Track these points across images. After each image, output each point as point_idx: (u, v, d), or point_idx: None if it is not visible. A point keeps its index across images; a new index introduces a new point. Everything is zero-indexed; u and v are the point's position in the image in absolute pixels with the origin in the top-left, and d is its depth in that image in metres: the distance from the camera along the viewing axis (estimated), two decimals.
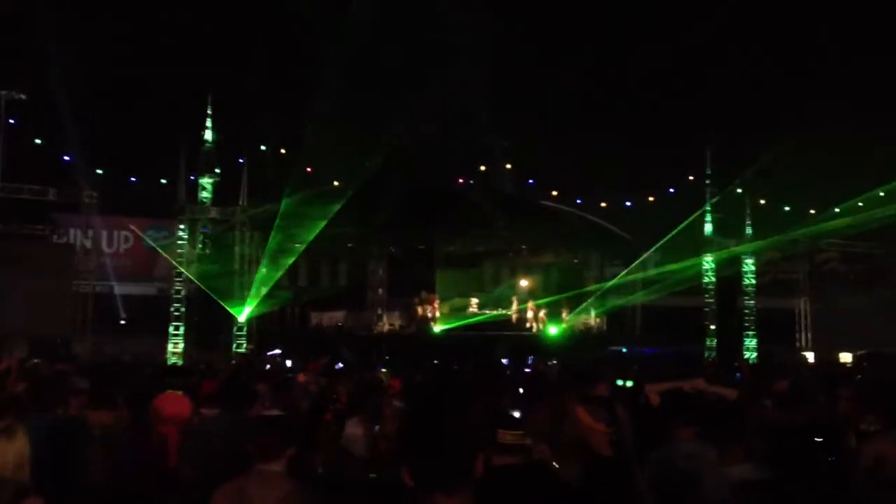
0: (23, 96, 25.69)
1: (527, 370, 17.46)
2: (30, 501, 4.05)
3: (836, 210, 28.77)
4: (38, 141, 26.67)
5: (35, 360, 12.90)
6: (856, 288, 29.44)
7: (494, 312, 29.67)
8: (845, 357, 26.57)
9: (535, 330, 28.91)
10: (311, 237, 28.20)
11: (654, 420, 5.64)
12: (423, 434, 2.68)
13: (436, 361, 18.64)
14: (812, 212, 29.59)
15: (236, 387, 7.69)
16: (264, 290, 27.59)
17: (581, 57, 26.76)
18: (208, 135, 25.47)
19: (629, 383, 10.37)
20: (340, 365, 16.84)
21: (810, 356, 27.73)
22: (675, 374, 9.80)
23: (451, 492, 2.57)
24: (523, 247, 30.22)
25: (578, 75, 26.02)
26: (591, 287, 30.91)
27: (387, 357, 20.25)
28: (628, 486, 4.70)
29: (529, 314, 29.38)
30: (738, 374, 16.01)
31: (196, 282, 25.76)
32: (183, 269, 25.57)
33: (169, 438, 7.03)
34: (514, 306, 29.61)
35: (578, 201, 30.73)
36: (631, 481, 4.79)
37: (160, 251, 28.89)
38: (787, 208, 29.83)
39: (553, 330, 28.72)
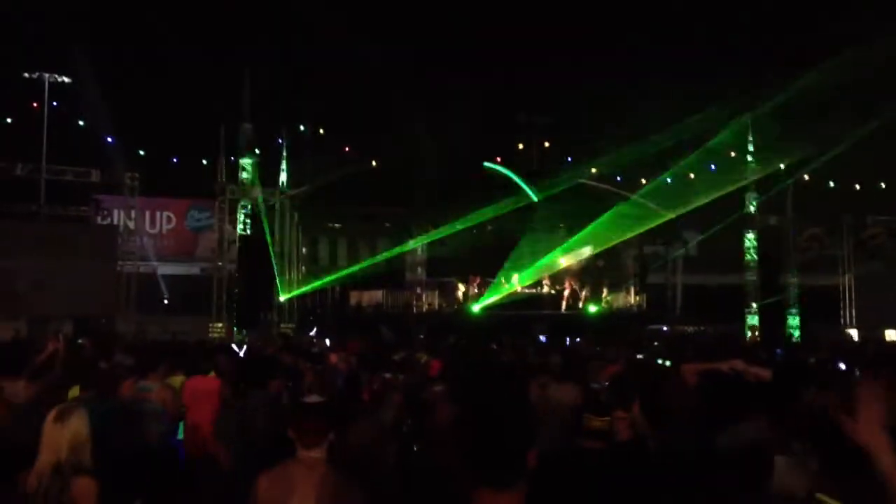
0: (65, 79, 26.03)
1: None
2: (81, 481, 4.16)
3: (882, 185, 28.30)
4: (80, 123, 26.99)
5: (80, 340, 13.14)
6: None
7: (533, 291, 29.58)
8: (891, 335, 26.18)
9: (574, 309, 28.82)
10: (351, 217, 28.34)
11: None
12: (478, 431, 2.61)
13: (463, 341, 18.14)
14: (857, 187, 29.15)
15: (260, 364, 7.74)
16: (305, 270, 27.78)
17: (621, 30, 26.49)
18: (247, 115, 25.61)
19: (668, 363, 10.29)
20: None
21: (854, 334, 27.33)
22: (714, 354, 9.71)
23: (500, 488, 2.52)
24: (561, 225, 30.00)
25: (618, 51, 25.77)
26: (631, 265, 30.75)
27: (421, 336, 20.21)
28: (645, 470, 4.71)
29: (567, 293, 29.30)
30: (777, 351, 15.81)
31: (237, 262, 26.01)
32: (224, 250, 25.83)
33: (202, 419, 7.11)
34: (547, 284, 29.51)
35: (618, 179, 30.44)
36: (647, 464, 4.79)
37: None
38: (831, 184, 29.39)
39: (593, 309, 28.60)
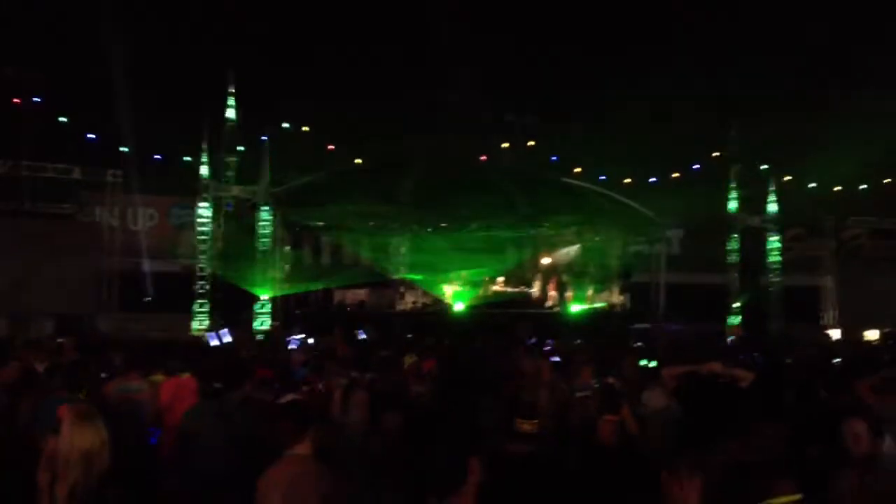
0: (45, 75, 25.86)
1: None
2: (117, 492, 4.13)
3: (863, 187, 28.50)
4: (62, 119, 26.80)
5: (60, 340, 13.05)
6: (883, 265, 29.12)
7: (517, 290, 29.59)
8: (872, 335, 26.32)
9: (558, 308, 28.83)
10: (335, 215, 28.26)
11: None
12: (418, 440, 2.67)
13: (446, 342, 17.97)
14: (838, 188, 29.34)
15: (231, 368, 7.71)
16: (288, 268, 27.68)
17: (606, 30, 26.54)
18: (231, 112, 25.48)
19: (653, 364, 10.32)
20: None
21: (836, 334, 27.47)
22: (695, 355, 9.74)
23: (442, 495, 2.56)
24: (545, 224, 30.04)
25: (603, 49, 25.81)
26: (615, 265, 30.79)
27: (409, 336, 20.19)
28: (630, 476, 4.68)
29: (552, 292, 29.32)
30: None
31: (219, 260, 25.88)
32: (206, 247, 25.70)
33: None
34: (538, 284, 29.52)
35: (602, 178, 30.48)
36: (633, 471, 4.76)
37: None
38: (812, 185, 29.55)
39: (576, 308, 28.63)
